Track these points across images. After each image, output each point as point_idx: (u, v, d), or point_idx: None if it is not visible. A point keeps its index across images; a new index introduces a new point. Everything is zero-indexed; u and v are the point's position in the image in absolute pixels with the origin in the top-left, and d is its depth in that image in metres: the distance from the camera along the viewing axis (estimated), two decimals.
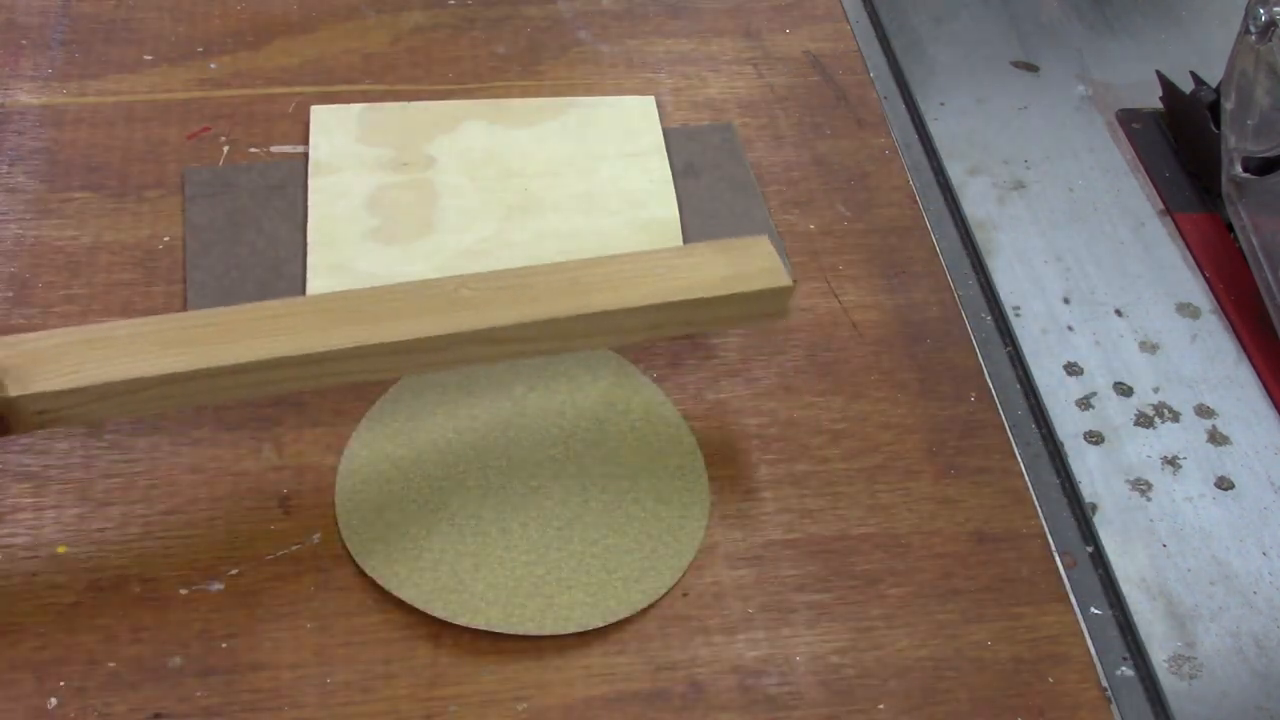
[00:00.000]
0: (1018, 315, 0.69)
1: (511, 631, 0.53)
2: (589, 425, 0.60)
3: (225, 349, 0.52)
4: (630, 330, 0.57)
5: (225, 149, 0.71)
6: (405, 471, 0.58)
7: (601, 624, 0.53)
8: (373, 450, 0.59)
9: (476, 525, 0.56)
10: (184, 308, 0.63)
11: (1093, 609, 0.58)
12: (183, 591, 0.54)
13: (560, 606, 0.54)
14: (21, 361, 0.51)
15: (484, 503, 0.57)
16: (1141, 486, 0.62)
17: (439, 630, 0.53)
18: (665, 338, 0.58)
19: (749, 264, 0.57)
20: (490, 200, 0.69)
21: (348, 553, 0.55)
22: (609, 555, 0.56)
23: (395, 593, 0.54)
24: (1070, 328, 0.68)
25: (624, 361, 0.62)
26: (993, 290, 0.70)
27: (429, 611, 0.53)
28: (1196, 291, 0.71)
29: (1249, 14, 0.68)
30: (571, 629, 0.53)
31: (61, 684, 0.51)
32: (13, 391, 0.50)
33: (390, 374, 0.56)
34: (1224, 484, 0.62)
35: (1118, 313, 0.69)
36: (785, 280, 0.57)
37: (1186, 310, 0.70)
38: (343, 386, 0.61)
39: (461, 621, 0.53)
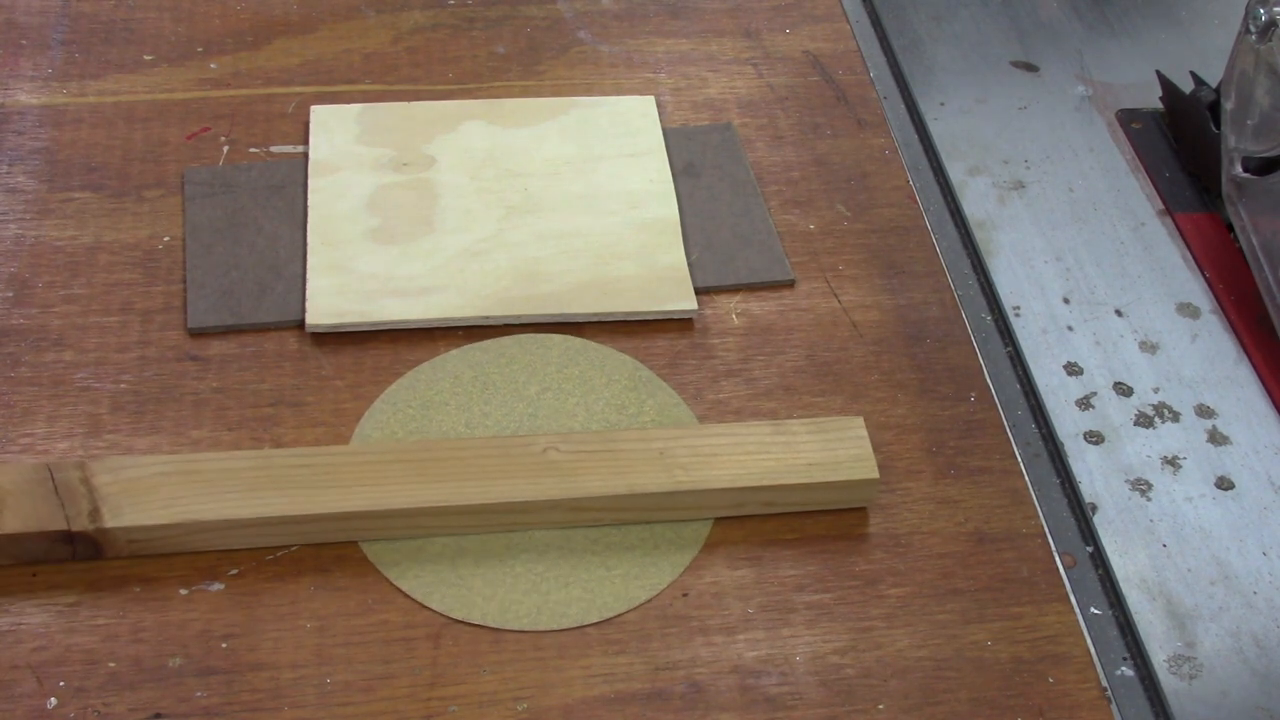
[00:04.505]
0: (1018, 315, 0.69)
1: (506, 628, 0.53)
2: (600, 427, 0.60)
3: (312, 498, 0.54)
4: (713, 507, 0.57)
5: (225, 149, 0.71)
6: None
7: (597, 620, 0.54)
8: (384, 433, 0.59)
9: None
10: (184, 307, 0.63)
11: (1093, 609, 0.58)
12: (183, 591, 0.54)
13: (556, 604, 0.54)
14: (119, 489, 0.53)
15: None
16: (1141, 486, 0.62)
17: (439, 630, 0.53)
18: (750, 514, 0.58)
19: (840, 449, 0.57)
20: (490, 200, 0.69)
21: (349, 551, 0.55)
22: (609, 553, 0.56)
23: (396, 583, 0.54)
24: (1070, 328, 0.68)
25: (640, 365, 0.62)
26: (993, 290, 0.70)
27: (427, 604, 0.53)
28: (1196, 291, 0.71)
29: (1249, 14, 0.68)
30: (565, 625, 0.53)
31: (61, 684, 0.51)
32: (109, 522, 0.52)
33: (472, 532, 0.56)
34: (1224, 484, 0.62)
35: (1118, 313, 0.69)
36: (873, 472, 0.57)
37: (1186, 310, 0.70)
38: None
39: (457, 616, 0.53)
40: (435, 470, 0.55)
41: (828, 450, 0.57)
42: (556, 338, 0.63)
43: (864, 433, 0.58)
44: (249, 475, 0.55)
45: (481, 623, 0.53)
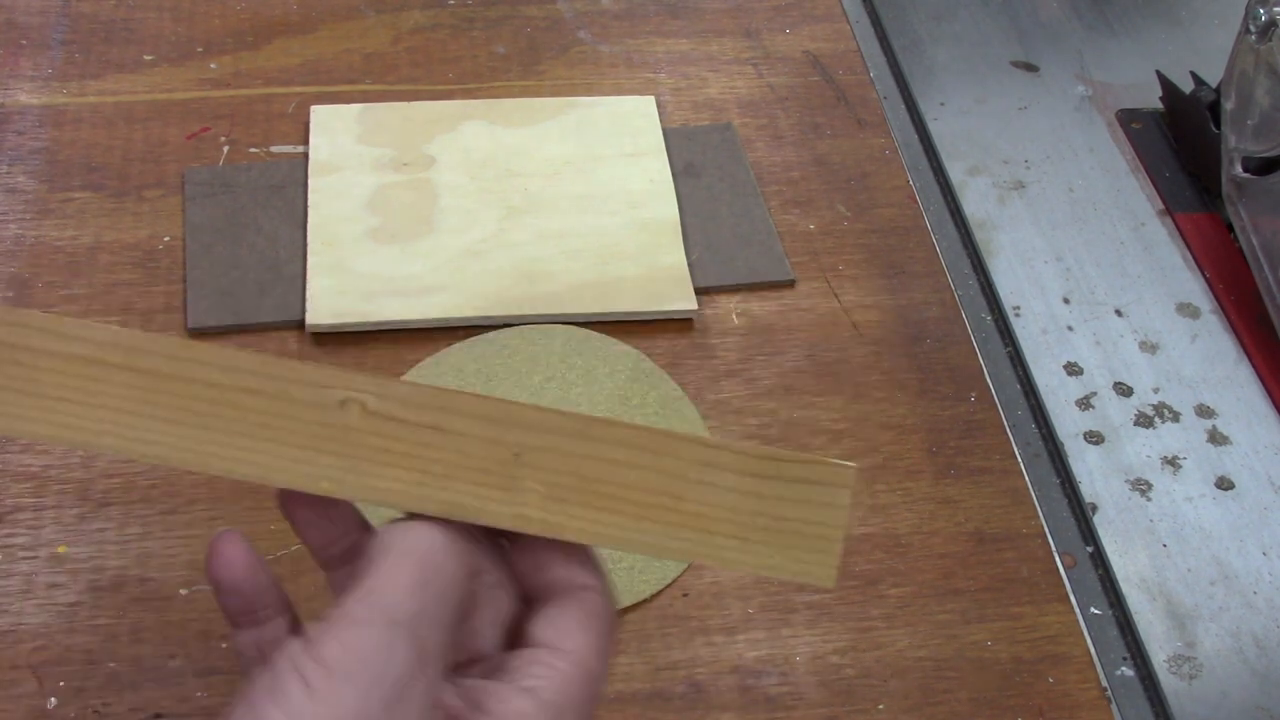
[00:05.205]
0: (1018, 315, 0.69)
1: None
2: (603, 416, 0.60)
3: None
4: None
5: (225, 149, 0.71)
6: None
7: None
8: None
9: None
10: (184, 307, 0.63)
11: (1093, 609, 0.58)
12: (183, 592, 0.54)
13: None
14: None
15: None
16: (1141, 486, 0.62)
17: None
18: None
19: (786, 521, 0.37)
20: (490, 200, 0.69)
21: None
22: None
23: None
24: (1070, 328, 0.68)
25: (642, 357, 0.62)
26: (993, 290, 0.70)
27: None
28: (1196, 291, 0.71)
29: (1249, 14, 0.68)
30: None
31: (61, 684, 0.51)
32: None
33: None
34: (1224, 484, 0.62)
35: (1118, 313, 0.69)
36: (829, 580, 0.37)
37: (1186, 310, 0.70)
38: None
39: None
40: (180, 401, 0.36)
41: (774, 517, 0.37)
42: (559, 329, 0.63)
43: (845, 499, 0.36)
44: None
45: None
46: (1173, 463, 0.63)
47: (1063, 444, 0.63)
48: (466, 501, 0.36)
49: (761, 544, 0.37)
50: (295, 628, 0.39)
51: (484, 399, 0.37)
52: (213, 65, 0.75)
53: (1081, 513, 0.61)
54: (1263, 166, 0.69)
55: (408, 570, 0.34)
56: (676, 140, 0.73)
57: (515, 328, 0.63)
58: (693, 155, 0.72)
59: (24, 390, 0.36)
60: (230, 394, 0.36)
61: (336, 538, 0.38)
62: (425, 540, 0.34)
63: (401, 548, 0.34)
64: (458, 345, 0.62)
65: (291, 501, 0.37)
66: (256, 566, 0.37)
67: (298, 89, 0.74)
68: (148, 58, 0.75)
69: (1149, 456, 0.63)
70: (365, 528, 0.39)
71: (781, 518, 0.37)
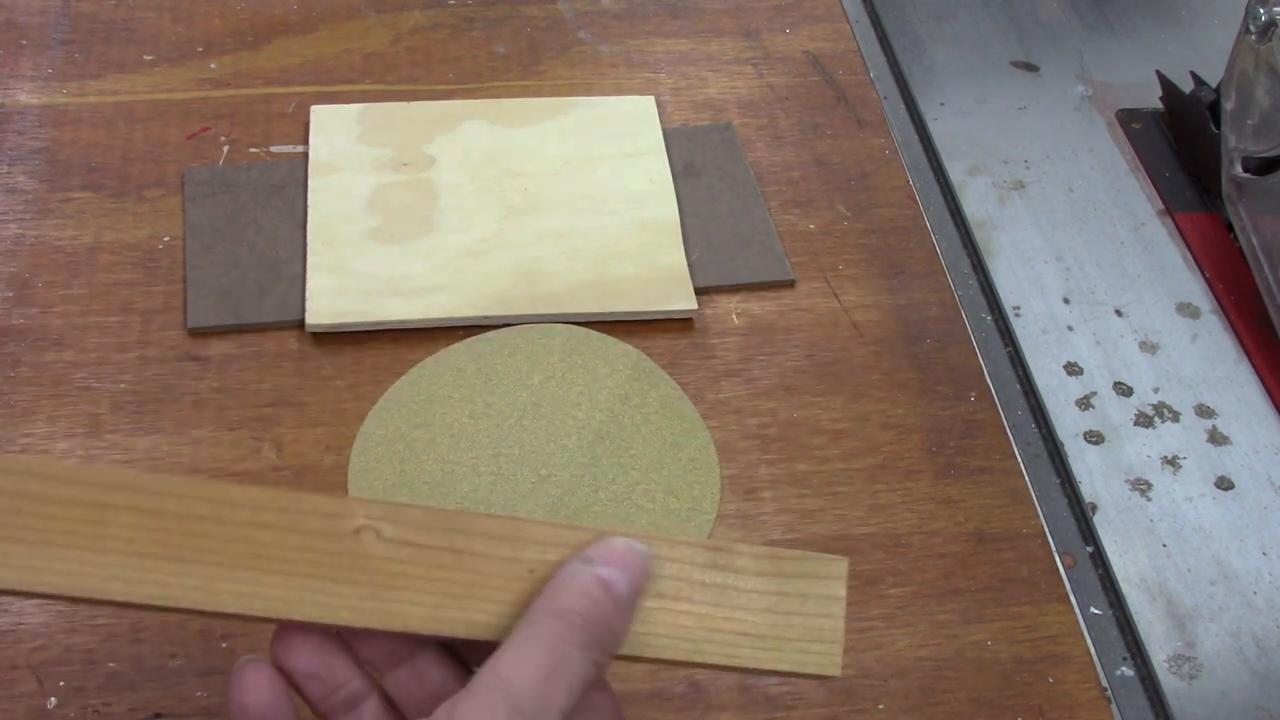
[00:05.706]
0: (1018, 315, 0.69)
1: None
2: (604, 417, 0.60)
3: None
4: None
5: (225, 149, 0.71)
6: (418, 453, 0.58)
7: None
8: (388, 430, 0.59)
9: (485, 512, 0.56)
10: (184, 307, 0.63)
11: (1093, 609, 0.58)
12: None
13: None
14: None
15: (494, 490, 0.57)
16: (1141, 486, 0.62)
17: None
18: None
19: (796, 615, 0.39)
20: (490, 200, 0.69)
21: None
22: None
23: None
24: (1070, 328, 0.68)
25: (643, 356, 0.62)
26: (993, 290, 0.70)
27: None
28: (1196, 291, 0.71)
29: (1249, 14, 0.68)
30: None
31: (61, 684, 0.51)
32: None
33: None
34: (1224, 484, 0.62)
35: (1118, 313, 0.69)
36: (834, 666, 0.40)
37: (1186, 310, 0.70)
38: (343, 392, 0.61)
39: None
40: (188, 539, 0.36)
41: (778, 613, 0.39)
42: (559, 328, 0.63)
43: (841, 591, 0.40)
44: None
45: None
46: (1173, 463, 0.63)
47: (1063, 444, 0.63)
48: (488, 620, 0.37)
49: (770, 639, 0.39)
50: None
51: (495, 518, 0.38)
52: (213, 65, 0.75)
53: (1081, 513, 0.61)
54: (1263, 166, 0.69)
55: (536, 659, 0.34)
56: (676, 140, 0.73)
57: (515, 328, 0.63)
58: (693, 155, 0.72)
59: (26, 539, 0.35)
60: (240, 529, 0.36)
61: (337, 687, 0.38)
62: (559, 628, 0.35)
63: (537, 626, 0.34)
64: (458, 345, 0.62)
65: (289, 652, 0.37)
66: (282, 694, 0.37)
67: (298, 89, 0.74)
68: (148, 58, 0.75)
69: (1149, 456, 0.63)
70: (364, 675, 0.39)
71: (786, 613, 0.39)
